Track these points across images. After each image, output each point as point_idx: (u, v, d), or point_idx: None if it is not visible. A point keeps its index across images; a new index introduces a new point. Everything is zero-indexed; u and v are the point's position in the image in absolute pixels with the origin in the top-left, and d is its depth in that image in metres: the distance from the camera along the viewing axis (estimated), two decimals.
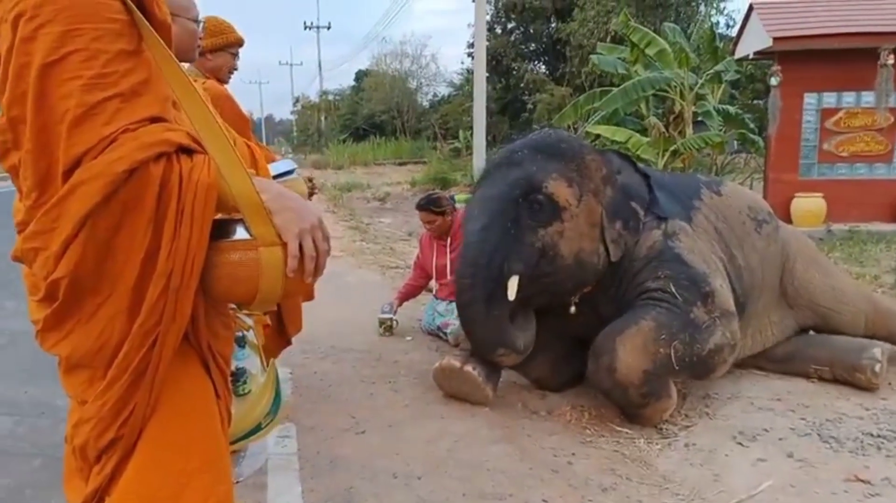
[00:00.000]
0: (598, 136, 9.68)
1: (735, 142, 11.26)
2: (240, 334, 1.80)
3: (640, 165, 3.43)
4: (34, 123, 1.08)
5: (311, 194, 3.27)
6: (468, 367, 3.15)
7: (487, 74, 26.33)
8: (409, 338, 4.37)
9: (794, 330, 3.67)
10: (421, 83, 37.72)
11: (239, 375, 1.78)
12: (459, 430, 2.96)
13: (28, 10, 1.08)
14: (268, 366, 1.85)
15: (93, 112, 1.08)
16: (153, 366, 1.17)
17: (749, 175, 10.88)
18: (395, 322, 4.41)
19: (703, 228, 3.35)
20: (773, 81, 7.91)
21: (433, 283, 4.57)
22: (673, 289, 3.02)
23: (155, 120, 1.15)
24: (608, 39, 15.38)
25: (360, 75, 40.26)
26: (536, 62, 25.86)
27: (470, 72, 28.88)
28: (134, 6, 1.17)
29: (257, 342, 1.87)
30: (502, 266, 2.91)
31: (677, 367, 2.92)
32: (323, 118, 38.09)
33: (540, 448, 2.86)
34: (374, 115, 35.44)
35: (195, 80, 2.86)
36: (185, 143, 1.15)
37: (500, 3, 25.21)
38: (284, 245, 1.19)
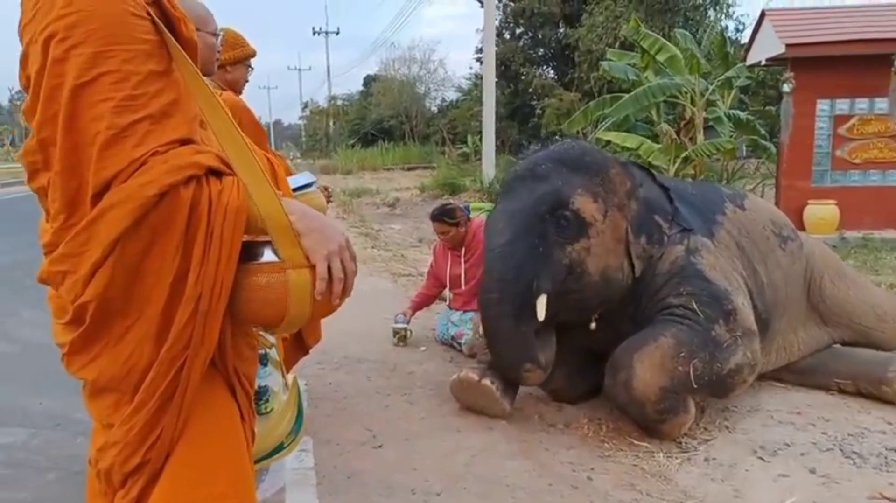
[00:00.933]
0: (608, 142, 9.64)
1: (745, 148, 11.19)
2: (262, 352, 1.78)
3: (659, 177, 3.40)
4: (64, 145, 1.08)
5: (328, 201, 3.27)
6: (486, 381, 3.13)
7: (496, 80, 26.44)
8: (423, 348, 4.35)
9: (827, 345, 3.63)
10: (429, 88, 37.80)
11: (261, 394, 1.76)
12: (476, 444, 2.94)
13: (60, 31, 1.07)
14: (290, 383, 1.84)
15: (123, 134, 1.07)
16: (181, 391, 1.16)
17: (760, 181, 10.81)
18: (409, 332, 4.39)
19: (726, 244, 3.31)
20: (786, 88, 7.87)
21: (447, 293, 4.54)
22: (695, 306, 2.98)
23: (184, 142, 1.14)
24: (617, 45, 15.32)
25: (369, 80, 40.37)
26: (545, 67, 25.86)
27: (478, 76, 28.93)
28: (163, 26, 1.16)
29: (279, 359, 1.85)
30: (531, 283, 2.87)
31: (696, 386, 2.88)
32: (332, 123, 38.19)
33: (559, 462, 2.83)
34: (382, 120, 35.50)
35: (216, 91, 2.87)
36: (215, 165, 1.14)
37: (509, 9, 25.23)
38: (313, 267, 1.18)
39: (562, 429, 3.20)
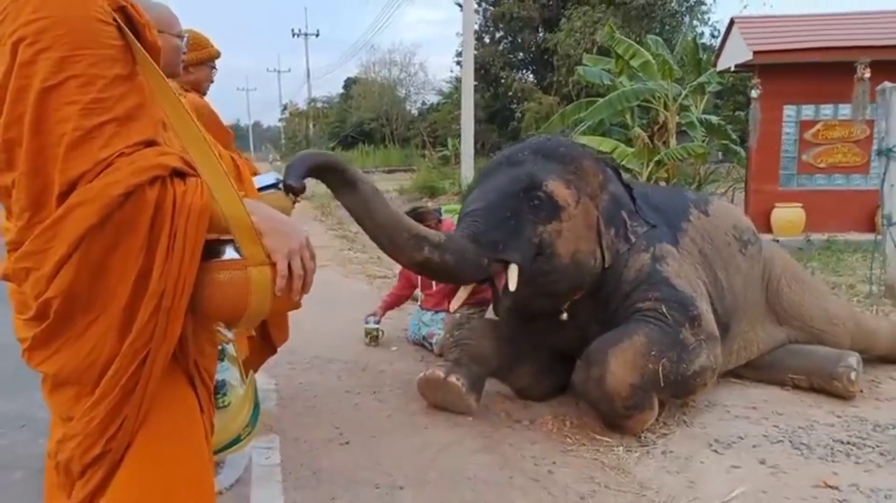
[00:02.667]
0: (583, 146, 9.77)
1: (717, 152, 11.41)
2: (220, 347, 1.84)
3: (624, 178, 3.50)
4: (30, 146, 1.12)
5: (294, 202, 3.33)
6: (452, 378, 3.21)
7: (476, 83, 26.55)
8: (394, 348, 4.42)
9: (783, 343, 3.75)
10: (410, 91, 37.89)
11: (219, 388, 1.83)
12: (442, 440, 3.01)
13: (29, 35, 1.11)
14: (247, 377, 1.90)
15: (90, 136, 1.12)
16: (143, 383, 1.21)
17: (731, 185, 11.03)
18: (380, 332, 4.46)
19: (689, 251, 3.42)
20: (753, 94, 8.06)
21: (418, 293, 4.62)
22: (664, 311, 3.09)
23: (149, 143, 1.19)
24: (595, 50, 15.52)
25: (349, 83, 40.34)
26: (524, 71, 26.03)
27: (459, 80, 28.99)
28: (129, 31, 1.22)
29: (236, 354, 1.91)
30: (496, 243, 2.92)
31: (662, 384, 2.98)
32: (311, 125, 38.13)
33: (521, 457, 2.91)
34: (362, 123, 35.49)
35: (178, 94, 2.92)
36: (179, 166, 1.19)
37: (489, 13, 25.38)
38: (274, 265, 1.24)
39: (527, 426, 3.28)
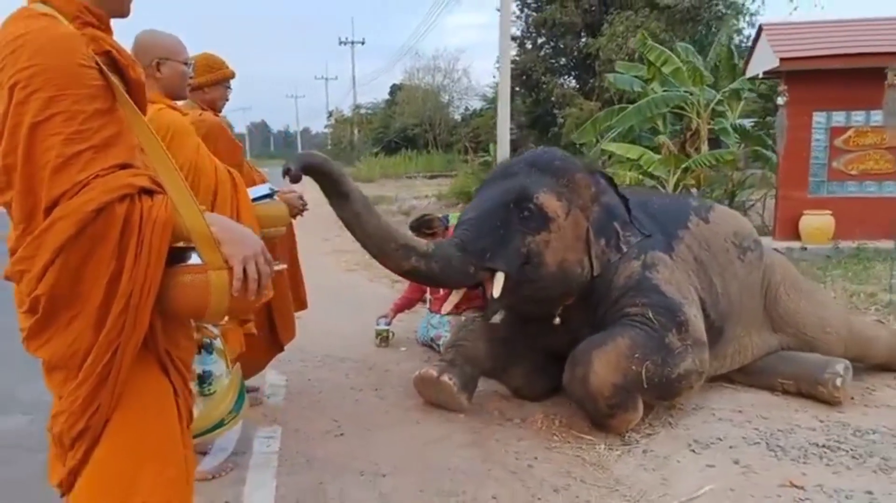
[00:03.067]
0: (611, 153, 9.85)
1: (750, 159, 11.30)
2: (208, 341, 2.08)
3: (620, 189, 3.61)
4: (23, 170, 1.37)
5: (301, 212, 3.59)
6: (444, 377, 3.40)
7: (517, 89, 26.64)
8: (403, 348, 4.64)
9: (776, 349, 3.83)
10: (453, 97, 38.20)
11: (205, 378, 2.08)
12: (432, 434, 3.21)
13: (22, 80, 1.36)
14: (233, 370, 2.14)
15: (70, 162, 1.36)
16: (115, 370, 1.44)
17: (765, 192, 10.91)
18: (391, 333, 4.68)
19: (684, 258, 3.53)
20: (780, 100, 8.03)
21: (428, 296, 4.83)
22: (651, 315, 3.22)
23: (124, 166, 1.43)
24: (636, 55, 15.50)
25: (395, 89, 40.93)
26: (566, 77, 25.97)
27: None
28: (110, 72, 1.47)
29: (223, 348, 2.16)
30: (484, 251, 3.08)
31: (646, 386, 3.11)
32: (356, 131, 38.81)
33: (505, 452, 3.08)
34: (406, 129, 35.94)
35: (194, 111, 3.22)
36: (147, 185, 1.42)
37: (531, 19, 25.44)
38: (231, 269, 1.47)
39: (518, 423, 3.45)
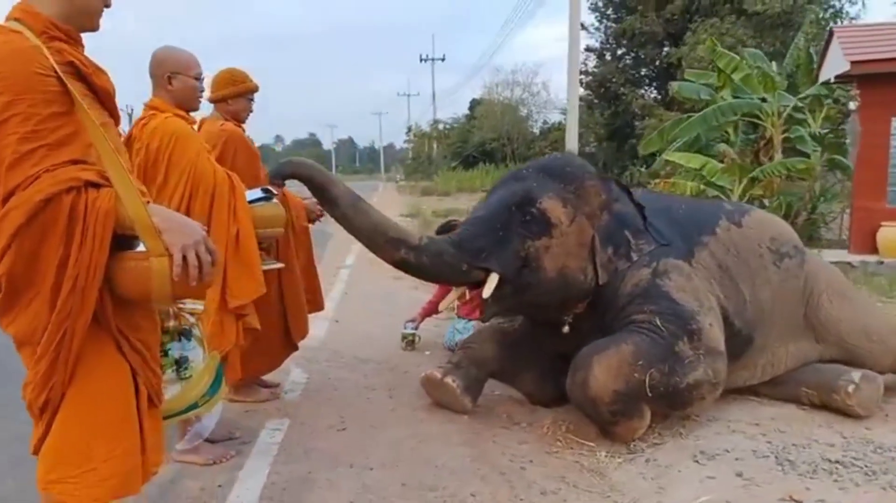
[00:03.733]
0: (670, 162, 9.60)
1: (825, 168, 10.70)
2: (186, 328, 2.21)
3: (643, 196, 3.54)
4: None
5: (318, 217, 3.73)
6: (448, 379, 3.44)
7: (595, 101, 26.34)
8: (427, 352, 4.69)
9: (814, 361, 3.65)
10: (532, 110, 38.17)
11: (182, 363, 2.19)
12: (430, 433, 3.24)
13: None
14: (210, 356, 2.25)
15: (24, 158, 1.53)
16: (67, 346, 1.59)
17: (845, 204, 10.31)
18: (417, 337, 4.74)
19: (705, 265, 3.42)
20: (852, 105, 7.61)
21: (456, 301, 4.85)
22: (658, 323, 3.13)
23: (76, 162, 1.59)
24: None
25: (474, 104, 41.29)
26: (647, 87, 25.50)
27: (580, 99, 28.88)
28: (73, 80, 1.63)
29: (202, 335, 2.27)
30: (480, 251, 3.07)
31: (650, 394, 3.02)
32: (434, 146, 39.36)
33: (501, 454, 3.07)
34: (484, 143, 36.19)
35: (216, 121, 3.41)
36: (94, 179, 1.58)
37: (610, 30, 25.18)
38: (171, 256, 1.59)
39: (524, 427, 3.43)
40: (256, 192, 2.94)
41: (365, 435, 3.22)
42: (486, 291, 3.07)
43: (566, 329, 3.37)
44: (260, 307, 3.51)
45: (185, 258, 1.59)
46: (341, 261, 9.06)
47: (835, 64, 8.09)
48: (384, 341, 4.92)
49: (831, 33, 8.14)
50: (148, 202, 1.65)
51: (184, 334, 2.20)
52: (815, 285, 3.67)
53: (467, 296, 4.63)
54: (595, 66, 26.08)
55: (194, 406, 2.18)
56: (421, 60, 45.30)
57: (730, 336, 3.34)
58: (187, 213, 2.73)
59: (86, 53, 1.73)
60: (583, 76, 26.42)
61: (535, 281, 3.15)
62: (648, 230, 3.33)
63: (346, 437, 3.20)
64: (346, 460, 2.93)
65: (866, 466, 2.83)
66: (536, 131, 36.43)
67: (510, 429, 3.41)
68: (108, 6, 1.78)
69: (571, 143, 14.99)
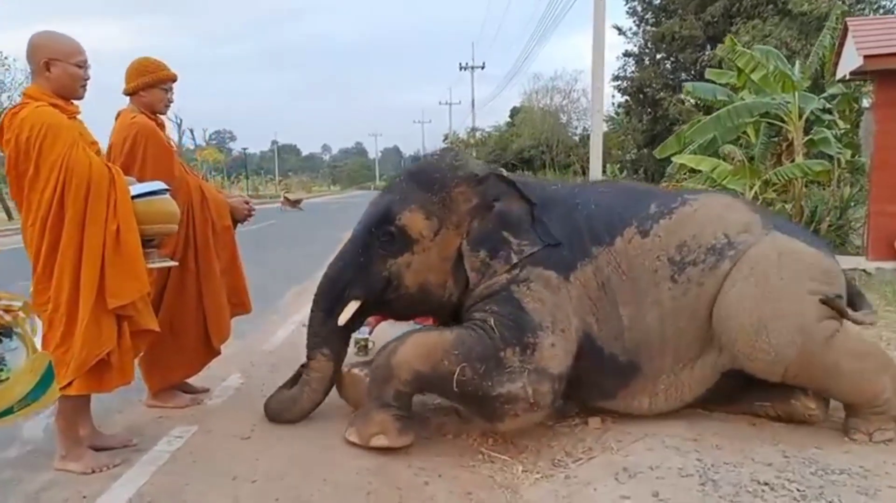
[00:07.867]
0: (681, 165, 9.20)
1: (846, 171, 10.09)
2: (7, 328, 2.07)
3: (533, 190, 3.22)
4: None
5: (246, 217, 3.60)
6: (355, 370, 3.37)
7: (633, 106, 25.83)
8: None
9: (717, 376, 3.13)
10: (571, 117, 37.64)
11: None
12: (336, 444, 3.02)
13: None
14: (36, 359, 2.11)
15: None
16: None
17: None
18: (370, 342, 4.56)
19: (584, 282, 3.05)
20: (866, 103, 7.12)
21: None
22: (492, 323, 2.95)
23: None
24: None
25: (514, 111, 41.07)
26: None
27: (620, 105, 28.37)
28: None
29: (25, 336, 2.13)
30: (343, 290, 3.19)
31: (456, 390, 2.88)
32: (473, 153, 39.16)
33: (407, 467, 2.87)
34: (523, 150, 35.87)
35: (130, 114, 3.30)
36: None
37: (648, 35, 24.75)
38: None
39: (450, 439, 3.23)
40: (146, 186, 2.80)
41: (265, 445, 3.03)
42: (342, 319, 3.16)
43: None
44: (176, 310, 3.40)
45: None
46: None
47: (850, 59, 7.59)
48: None
49: (846, 27, 7.63)
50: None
51: (4, 333, 2.07)
52: (736, 278, 2.99)
53: None
54: (633, 71, 25.61)
55: (9, 411, 2.03)
56: (461, 69, 45.32)
57: (600, 362, 3.06)
58: (60, 207, 2.62)
59: None
60: (621, 81, 26.02)
61: (396, 296, 3.19)
62: (535, 230, 3.08)
63: (245, 447, 3.02)
64: (232, 472, 2.74)
65: (798, 489, 2.51)
66: (576, 138, 35.89)
67: (433, 440, 3.20)
68: None
69: (595, 151, 14.71)
